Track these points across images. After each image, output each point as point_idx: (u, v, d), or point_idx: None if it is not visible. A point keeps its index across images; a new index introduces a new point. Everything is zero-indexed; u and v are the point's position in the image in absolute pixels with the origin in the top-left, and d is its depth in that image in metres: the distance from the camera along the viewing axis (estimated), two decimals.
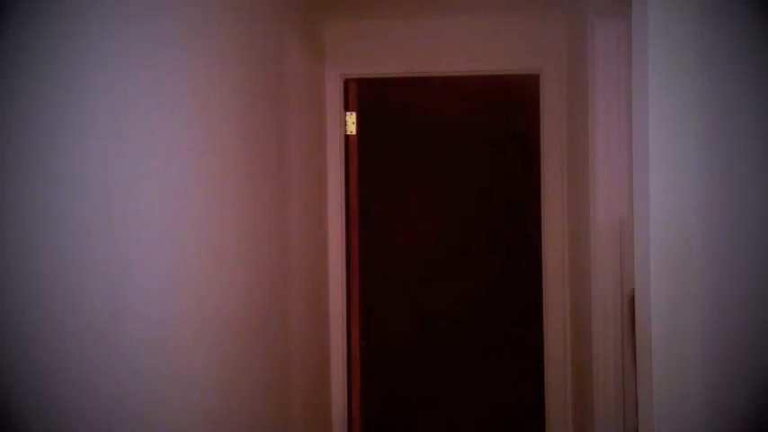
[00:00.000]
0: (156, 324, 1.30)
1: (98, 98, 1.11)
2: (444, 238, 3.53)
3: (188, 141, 1.47)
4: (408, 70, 3.03)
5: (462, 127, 3.54)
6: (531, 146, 3.17)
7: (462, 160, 3.53)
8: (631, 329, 2.09)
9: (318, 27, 2.94)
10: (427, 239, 3.54)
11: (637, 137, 1.51)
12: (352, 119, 3.09)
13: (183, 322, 1.43)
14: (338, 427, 3.02)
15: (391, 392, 3.72)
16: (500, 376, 3.46)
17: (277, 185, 2.21)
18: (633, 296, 1.75)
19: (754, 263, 1.35)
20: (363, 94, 3.16)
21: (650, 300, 1.42)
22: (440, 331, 3.56)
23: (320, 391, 2.89)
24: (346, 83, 3.08)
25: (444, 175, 3.54)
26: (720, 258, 1.39)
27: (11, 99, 0.90)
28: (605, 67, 2.28)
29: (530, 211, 3.24)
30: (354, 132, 3.10)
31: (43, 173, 0.97)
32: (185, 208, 1.45)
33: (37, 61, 0.95)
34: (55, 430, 0.99)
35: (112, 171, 1.15)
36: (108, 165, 1.14)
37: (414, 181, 3.55)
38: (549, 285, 2.96)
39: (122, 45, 1.18)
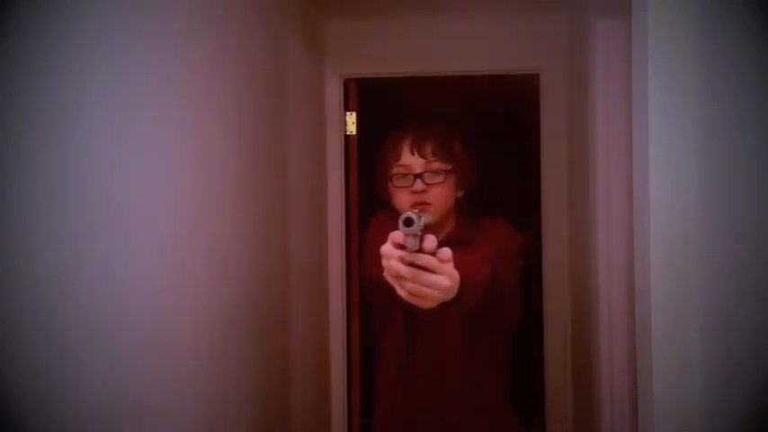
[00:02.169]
0: (156, 321, 1.30)
1: (98, 98, 1.11)
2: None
3: (188, 141, 1.47)
4: (408, 70, 3.03)
5: (462, 126, 3.54)
6: (530, 146, 3.17)
7: None
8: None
9: (318, 27, 2.94)
10: None
11: (637, 137, 1.51)
12: (352, 119, 3.09)
13: (184, 320, 1.43)
14: (338, 427, 3.02)
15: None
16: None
17: (277, 185, 2.21)
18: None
19: (754, 262, 1.35)
20: (363, 94, 3.16)
21: (650, 299, 1.42)
22: None
23: (320, 390, 2.89)
24: (346, 83, 3.07)
25: None
26: (720, 258, 1.39)
27: (11, 99, 0.90)
28: (605, 67, 2.28)
29: (530, 210, 3.24)
30: (354, 132, 3.09)
31: (43, 173, 0.97)
32: (185, 207, 1.45)
33: (37, 61, 0.96)
34: (56, 429, 0.99)
35: (112, 171, 1.15)
36: (108, 164, 1.14)
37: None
38: (548, 285, 2.96)
39: (122, 45, 1.19)
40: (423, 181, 1.75)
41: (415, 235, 1.02)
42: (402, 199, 1.78)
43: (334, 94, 3.03)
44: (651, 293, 1.42)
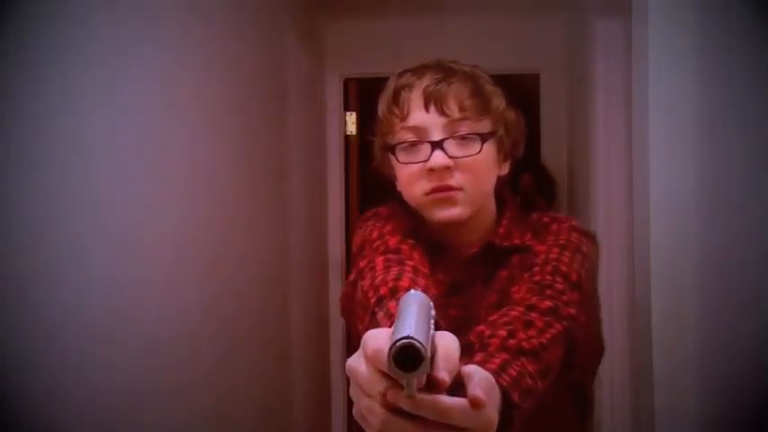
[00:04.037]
0: (157, 324, 1.30)
1: (98, 100, 1.11)
2: None
3: (187, 141, 1.47)
4: None
5: None
6: (530, 146, 3.17)
7: None
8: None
9: (318, 27, 2.94)
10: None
11: (637, 136, 1.51)
12: (352, 119, 3.09)
13: (185, 322, 1.43)
14: (338, 426, 3.02)
15: None
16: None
17: (277, 185, 2.21)
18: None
19: (752, 261, 1.35)
20: (363, 94, 3.16)
21: (650, 299, 1.42)
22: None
23: (320, 391, 2.89)
24: (346, 83, 3.07)
25: None
26: (719, 257, 1.39)
27: (11, 99, 0.90)
28: (605, 67, 2.28)
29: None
30: (354, 132, 3.09)
31: (44, 173, 0.97)
32: (184, 208, 1.45)
33: (37, 62, 0.95)
34: (59, 428, 0.99)
35: (112, 172, 1.15)
36: (108, 166, 1.14)
37: None
38: None
39: (122, 46, 1.18)
40: (445, 152, 1.04)
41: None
42: (411, 184, 1.07)
43: (334, 94, 3.03)
44: (651, 293, 1.42)
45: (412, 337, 0.47)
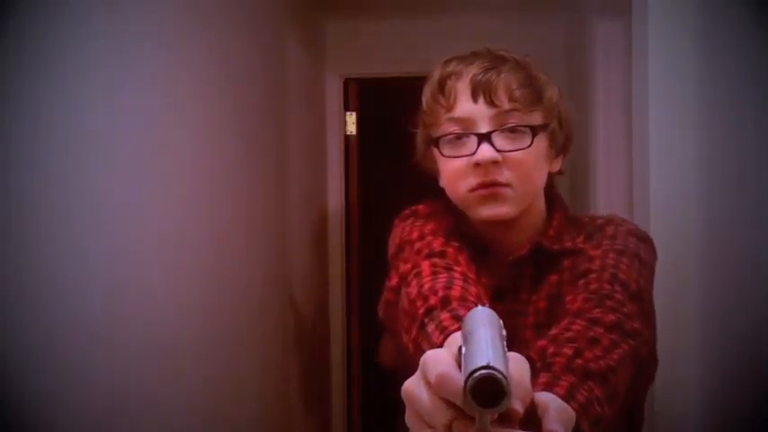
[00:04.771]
0: (154, 323, 1.30)
1: (98, 99, 1.11)
2: None
3: (187, 141, 1.47)
4: (408, 70, 3.02)
5: None
6: None
7: None
8: None
9: (318, 27, 2.94)
10: None
11: (637, 136, 1.51)
12: (352, 119, 3.09)
13: (182, 321, 1.43)
14: (338, 427, 3.02)
15: (392, 392, 3.72)
16: None
17: (276, 185, 2.21)
18: None
19: (753, 261, 1.35)
20: (363, 94, 3.16)
21: None
22: None
23: (321, 392, 2.89)
24: (346, 83, 3.07)
25: None
26: (719, 256, 1.39)
27: (12, 99, 0.90)
28: (605, 67, 2.28)
29: None
30: (354, 132, 3.10)
31: (44, 173, 0.97)
32: (183, 209, 1.45)
33: (37, 61, 0.95)
34: (55, 430, 0.99)
35: (112, 172, 1.15)
36: (107, 166, 1.14)
37: (414, 181, 3.54)
38: None
39: (122, 46, 1.18)
40: (493, 146, 0.98)
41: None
42: (456, 179, 1.01)
43: (334, 94, 3.03)
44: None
45: (492, 367, 0.42)
